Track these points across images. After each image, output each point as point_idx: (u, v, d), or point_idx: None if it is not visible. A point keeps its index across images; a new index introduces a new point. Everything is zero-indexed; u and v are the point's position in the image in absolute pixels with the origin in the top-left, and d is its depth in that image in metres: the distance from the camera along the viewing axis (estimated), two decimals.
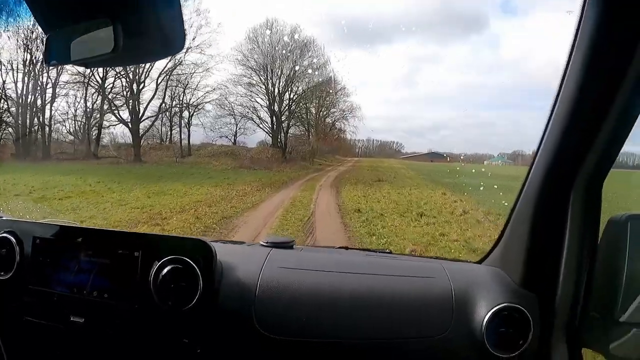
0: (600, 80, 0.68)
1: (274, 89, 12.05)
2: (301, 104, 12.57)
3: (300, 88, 12.28)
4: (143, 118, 11.88)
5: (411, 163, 12.46)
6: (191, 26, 10.59)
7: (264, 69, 11.78)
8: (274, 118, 12.16)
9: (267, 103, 12.08)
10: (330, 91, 12.48)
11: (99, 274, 0.92)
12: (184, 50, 9.95)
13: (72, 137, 11.44)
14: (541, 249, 0.86)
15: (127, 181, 8.71)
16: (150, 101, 11.89)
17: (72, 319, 0.93)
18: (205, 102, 11.83)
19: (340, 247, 1.26)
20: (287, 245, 1.10)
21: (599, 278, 0.81)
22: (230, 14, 14.50)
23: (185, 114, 12.17)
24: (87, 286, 0.92)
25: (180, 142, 12.24)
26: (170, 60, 10.80)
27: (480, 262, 1.06)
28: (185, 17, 0.49)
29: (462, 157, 10.39)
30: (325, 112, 13.12)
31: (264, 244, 1.10)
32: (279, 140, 12.30)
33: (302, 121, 12.90)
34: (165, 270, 0.87)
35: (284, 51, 11.77)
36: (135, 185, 8.31)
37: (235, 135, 12.54)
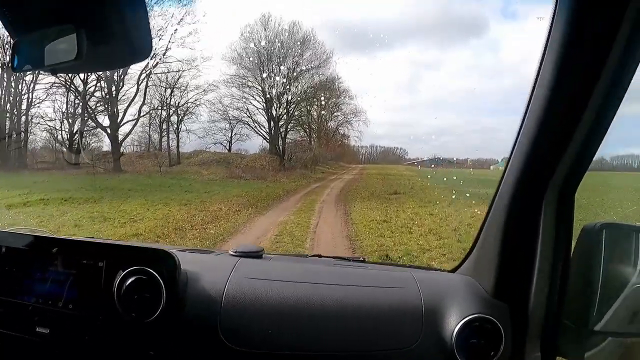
0: (571, 87, 0.70)
1: (271, 90, 11.38)
2: (302, 106, 11.77)
3: (300, 88, 11.44)
4: (123, 122, 11.05)
5: (420, 170, 11.87)
6: (172, 16, 10.02)
7: (259, 68, 11.12)
8: (272, 122, 11.41)
9: (264, 105, 11.40)
10: (333, 91, 11.56)
11: (64, 284, 0.93)
12: (166, 45, 10.07)
13: (57, 144, 10.91)
14: (513, 258, 0.87)
15: (82, 196, 7.70)
16: (129, 104, 10.99)
17: (37, 329, 0.92)
18: (196, 105, 11.21)
19: (313, 256, 1.28)
20: (255, 255, 1.10)
21: (572, 287, 0.83)
22: (221, 8, 13.83)
23: (175, 118, 11.51)
24: (52, 296, 0.93)
25: (169, 149, 11.54)
26: (152, 58, 9.92)
27: (453, 270, 1.08)
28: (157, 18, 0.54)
29: (469, 163, 10.60)
30: (328, 116, 12.35)
31: (233, 253, 1.10)
32: (276, 146, 11.50)
33: (303, 125, 12.10)
34: (129, 280, 0.87)
35: (282, 49, 11.04)
36: (87, 201, 7.31)
37: (230, 142, 11.85)
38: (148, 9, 0.48)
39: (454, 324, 0.84)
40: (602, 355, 0.78)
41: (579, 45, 0.65)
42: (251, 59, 10.87)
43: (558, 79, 0.68)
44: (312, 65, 10.91)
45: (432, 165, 11.18)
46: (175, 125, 11.26)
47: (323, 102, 11.59)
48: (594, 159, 0.74)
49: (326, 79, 11.11)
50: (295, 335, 0.87)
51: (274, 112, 11.21)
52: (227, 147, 11.51)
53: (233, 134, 11.54)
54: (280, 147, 11.26)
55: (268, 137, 11.46)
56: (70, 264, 0.93)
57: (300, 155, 11.22)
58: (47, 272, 0.94)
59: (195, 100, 11.00)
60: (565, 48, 0.66)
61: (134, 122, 10.97)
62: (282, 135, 11.41)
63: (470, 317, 0.83)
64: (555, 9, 0.65)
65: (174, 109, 11.05)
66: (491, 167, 9.58)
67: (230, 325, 0.87)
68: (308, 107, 11.54)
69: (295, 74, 10.87)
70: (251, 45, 10.77)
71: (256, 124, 11.23)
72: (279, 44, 10.70)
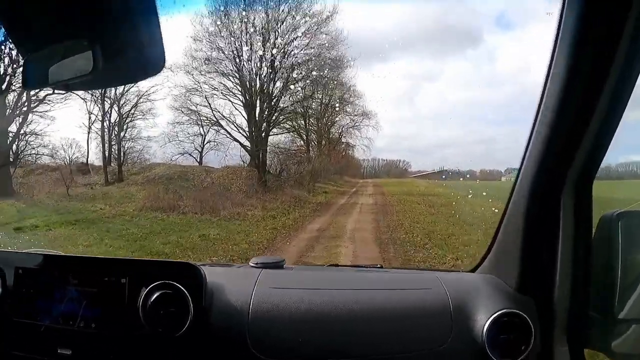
0: (583, 80, 0.76)
1: (252, 77, 8.61)
2: (298, 97, 9.28)
3: (294, 76, 8.90)
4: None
5: (445, 183, 10.29)
6: None
7: (238, 46, 8.28)
8: (253, 122, 8.86)
9: (243, 99, 8.70)
10: (338, 81, 9.14)
11: (85, 303, 0.97)
12: None
13: None
14: (535, 252, 0.94)
15: None
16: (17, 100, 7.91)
17: (59, 351, 0.97)
18: (150, 101, 8.76)
19: (330, 265, 1.37)
20: (277, 265, 1.17)
21: (594, 277, 0.89)
22: None
23: (130, 117, 8.92)
24: (73, 316, 0.97)
25: (104, 162, 8.94)
26: None
27: (473, 270, 1.14)
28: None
29: (479, 174, 10.17)
30: (331, 115, 10.22)
31: (254, 265, 1.16)
32: (256, 159, 9.12)
33: (298, 127, 9.93)
34: (154, 296, 0.91)
35: (265, 21, 8.21)
36: None
37: (201, 152, 9.35)
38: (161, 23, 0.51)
39: (483, 321, 0.91)
40: (628, 342, 0.85)
41: (588, 40, 0.72)
42: (227, 32, 8.08)
43: (569, 72, 0.75)
44: (311, 34, 8.17)
45: (444, 177, 11.05)
46: (113, 128, 8.68)
47: (325, 95, 9.28)
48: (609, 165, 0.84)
49: (332, 58, 8.45)
50: (325, 342, 0.93)
51: (257, 110, 8.69)
52: (198, 159, 9.15)
53: (205, 141, 9.08)
54: (259, 159, 8.85)
55: (249, 142, 8.77)
56: (91, 282, 0.98)
57: (295, 169, 9.48)
58: (67, 292, 0.98)
59: (148, 94, 8.46)
60: (575, 44, 0.73)
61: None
62: (263, 141, 8.86)
63: (499, 312, 0.90)
64: (563, 4, 0.72)
65: (115, 105, 8.55)
66: (502, 179, 9.75)
67: (259, 336, 0.93)
68: (306, 102, 9.24)
69: (286, 53, 8.33)
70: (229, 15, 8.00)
71: (236, 126, 8.74)
72: (264, 13, 8.06)
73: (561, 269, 0.90)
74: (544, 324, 0.91)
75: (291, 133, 9.81)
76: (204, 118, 8.76)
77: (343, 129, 10.31)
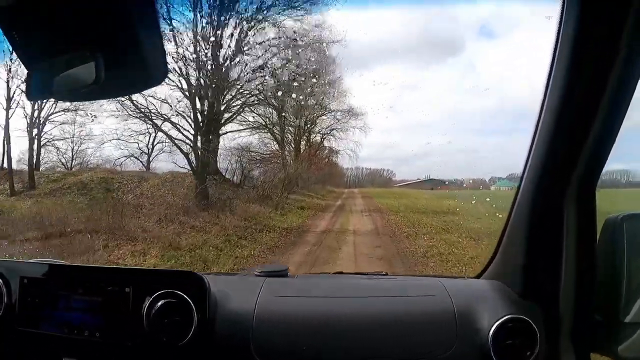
0: (584, 82, 0.80)
1: (210, 47, 6.83)
2: (266, 85, 7.57)
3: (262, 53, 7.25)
4: None
5: (450, 194, 9.83)
6: None
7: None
8: (202, 110, 7.04)
9: (185, 82, 6.87)
10: (322, 68, 7.71)
11: (89, 313, 1.00)
12: None
13: None
14: (539, 257, 0.98)
15: None
16: None
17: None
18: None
19: (335, 273, 1.39)
20: (281, 274, 1.19)
21: (599, 281, 0.92)
22: None
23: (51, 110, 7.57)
24: (78, 325, 1.00)
25: (9, 166, 7.64)
26: None
27: (478, 276, 1.18)
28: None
29: (468, 183, 10.13)
30: (310, 114, 8.94)
31: (258, 273, 1.18)
32: (203, 159, 7.12)
33: (272, 124, 8.48)
34: (158, 305, 0.94)
35: None
36: None
37: (149, 154, 7.87)
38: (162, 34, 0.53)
39: (488, 327, 0.94)
40: (634, 346, 0.88)
41: (588, 44, 0.76)
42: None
43: (570, 77, 0.80)
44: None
45: (432, 188, 10.76)
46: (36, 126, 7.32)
47: (304, 87, 7.76)
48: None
49: (313, 39, 7.04)
50: (330, 349, 0.96)
51: (209, 99, 6.97)
52: (146, 163, 7.91)
53: (154, 141, 7.77)
54: (201, 162, 6.99)
55: (195, 140, 6.94)
56: (95, 291, 1.01)
57: (264, 177, 8.18)
58: (72, 301, 1.01)
59: None
60: (575, 48, 0.77)
61: None
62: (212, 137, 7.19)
63: (504, 318, 0.93)
64: (563, 9, 0.77)
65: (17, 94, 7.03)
66: (492, 188, 9.99)
67: (263, 343, 0.96)
68: (280, 92, 7.62)
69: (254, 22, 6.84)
70: None
71: (181, 116, 6.97)
72: None
73: (566, 273, 0.93)
74: (549, 329, 0.94)
75: (260, 132, 8.46)
76: (139, 110, 6.98)
77: (326, 130, 9.31)
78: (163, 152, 7.94)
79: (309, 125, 9.33)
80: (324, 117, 9.12)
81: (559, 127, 0.86)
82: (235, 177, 8.01)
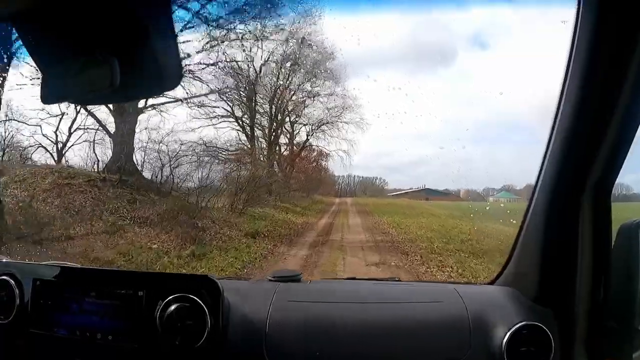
0: (601, 86, 0.81)
1: None
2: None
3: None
4: None
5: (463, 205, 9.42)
6: None
7: None
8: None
9: None
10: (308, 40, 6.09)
11: (102, 315, 1.02)
12: None
13: None
14: (553, 264, 0.99)
15: None
16: None
17: None
18: None
19: (348, 278, 1.41)
20: (294, 279, 1.21)
21: (614, 287, 0.93)
22: None
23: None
24: (90, 328, 1.02)
25: None
26: None
27: (492, 282, 1.20)
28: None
29: (463, 193, 9.82)
30: (290, 99, 6.72)
31: (271, 278, 1.21)
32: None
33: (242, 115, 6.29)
34: (171, 308, 0.96)
35: None
36: None
37: (64, 142, 5.99)
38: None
39: (502, 333, 0.95)
40: None
41: (604, 45, 0.77)
42: None
43: (586, 81, 0.81)
44: None
45: (427, 198, 10.82)
46: None
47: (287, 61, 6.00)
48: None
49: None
50: (343, 355, 0.98)
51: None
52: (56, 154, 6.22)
53: (72, 127, 6.16)
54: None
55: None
56: (108, 294, 1.03)
57: (209, 181, 5.91)
58: (85, 304, 1.04)
59: None
60: (591, 49, 0.78)
61: None
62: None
63: (518, 325, 0.95)
64: (578, 11, 0.78)
65: None
66: (491, 199, 9.95)
67: (276, 348, 0.98)
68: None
69: None
70: None
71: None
72: None
73: (580, 280, 0.95)
74: (563, 336, 0.96)
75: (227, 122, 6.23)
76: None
77: (313, 126, 7.12)
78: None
79: (290, 117, 6.97)
80: (309, 105, 6.74)
81: (574, 133, 0.88)
82: (163, 178, 5.65)
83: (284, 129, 7.26)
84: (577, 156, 0.90)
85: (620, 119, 0.81)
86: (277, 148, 7.13)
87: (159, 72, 0.54)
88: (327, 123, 7.37)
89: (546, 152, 0.95)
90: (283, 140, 7.36)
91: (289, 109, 7.23)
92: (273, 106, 6.90)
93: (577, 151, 0.89)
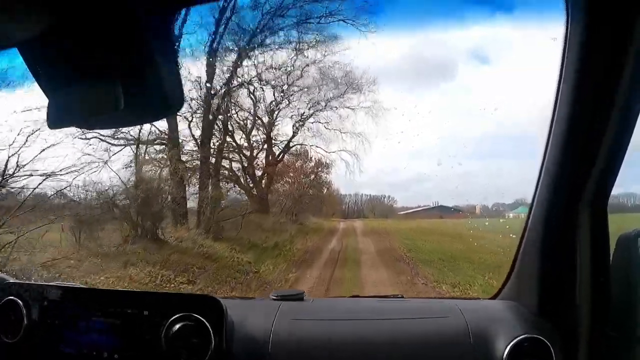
0: (592, 98, 0.85)
1: None
2: None
3: None
4: None
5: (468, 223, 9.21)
6: None
7: None
8: None
9: None
10: None
11: (108, 335, 1.07)
12: None
13: None
14: (554, 276, 1.04)
15: None
16: None
17: None
18: None
19: (351, 296, 1.46)
20: (297, 297, 1.26)
21: (615, 297, 0.97)
22: None
23: None
24: (97, 347, 1.07)
25: None
26: None
27: (493, 297, 1.26)
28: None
29: (478, 210, 9.76)
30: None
31: (274, 297, 1.26)
32: None
33: None
34: (176, 327, 1.01)
35: None
36: None
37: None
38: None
39: (503, 347, 1.00)
40: None
41: (595, 56, 0.80)
42: None
43: (579, 93, 0.85)
44: None
45: (441, 216, 10.64)
46: None
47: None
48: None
49: None
50: None
51: None
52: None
53: None
54: None
55: None
56: (113, 314, 1.08)
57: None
58: (90, 323, 1.09)
59: None
60: (582, 59, 0.81)
61: None
62: None
63: (519, 338, 1.00)
64: (567, 27, 0.82)
65: None
66: (510, 215, 9.55)
67: None
68: None
69: None
70: None
71: None
72: None
73: (580, 291, 0.98)
74: (565, 348, 0.99)
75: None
76: None
77: (302, 117, 5.34)
78: None
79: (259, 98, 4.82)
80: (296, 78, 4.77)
81: (569, 145, 0.92)
82: None
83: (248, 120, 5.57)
84: (573, 168, 0.94)
85: (615, 131, 0.84)
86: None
87: (163, 97, 0.54)
88: (322, 109, 6.23)
89: (542, 166, 1.00)
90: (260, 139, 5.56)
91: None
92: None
93: (572, 163, 0.93)
